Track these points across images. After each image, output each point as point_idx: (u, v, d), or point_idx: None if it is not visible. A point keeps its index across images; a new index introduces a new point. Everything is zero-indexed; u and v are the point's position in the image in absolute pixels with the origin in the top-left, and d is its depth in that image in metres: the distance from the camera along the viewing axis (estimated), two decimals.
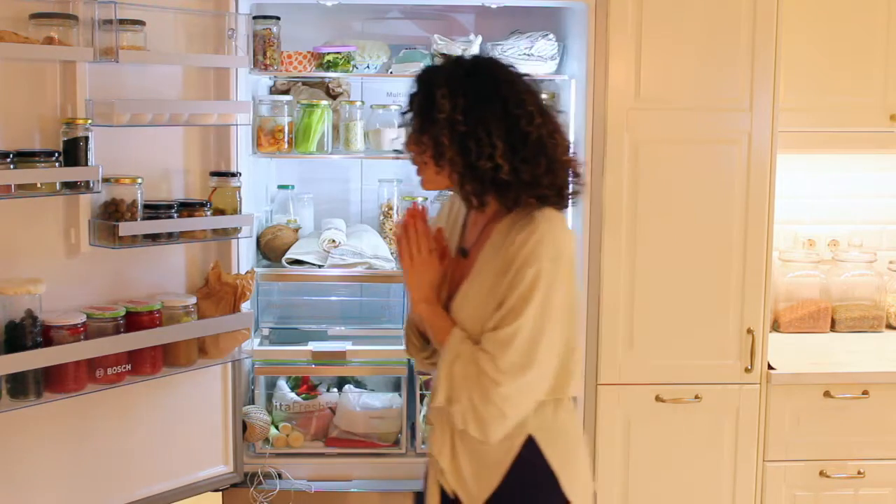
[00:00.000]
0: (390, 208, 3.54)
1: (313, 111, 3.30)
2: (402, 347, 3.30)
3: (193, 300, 2.83)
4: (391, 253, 3.36)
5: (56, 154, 2.49)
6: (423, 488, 2.36)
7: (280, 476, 3.20)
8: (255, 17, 3.12)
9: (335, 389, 3.50)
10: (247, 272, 3.00)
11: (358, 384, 3.53)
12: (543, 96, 2.29)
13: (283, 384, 3.44)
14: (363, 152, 3.38)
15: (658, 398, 3.24)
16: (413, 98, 2.21)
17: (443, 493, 2.27)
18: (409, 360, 3.33)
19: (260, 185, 3.49)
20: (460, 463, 2.22)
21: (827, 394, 3.25)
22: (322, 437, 3.35)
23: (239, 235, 2.93)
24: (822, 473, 3.28)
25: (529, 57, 3.30)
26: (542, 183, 2.15)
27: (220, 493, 3.15)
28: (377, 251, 3.36)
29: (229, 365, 3.07)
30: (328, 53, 3.25)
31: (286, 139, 3.27)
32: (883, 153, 3.67)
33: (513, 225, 2.16)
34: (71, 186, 2.54)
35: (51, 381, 2.55)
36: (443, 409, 2.18)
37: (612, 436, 3.26)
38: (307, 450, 3.31)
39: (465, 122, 2.12)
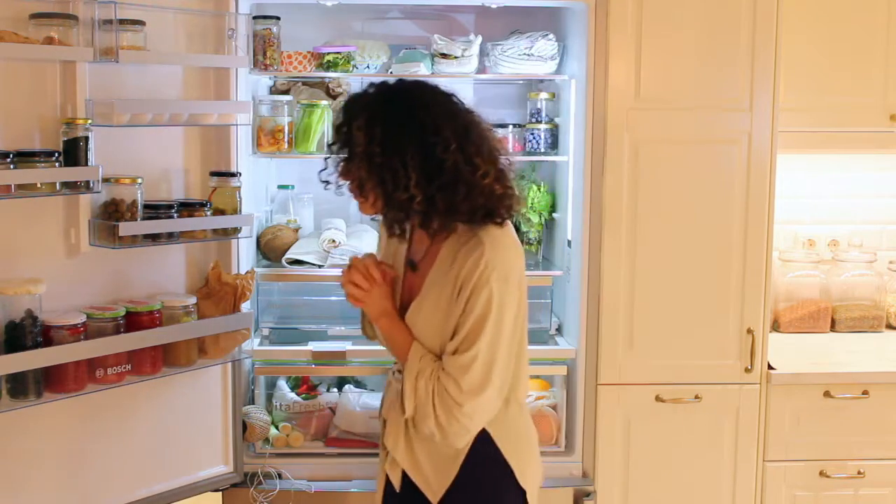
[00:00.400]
0: None
1: (313, 111, 3.30)
2: None
3: (193, 300, 2.83)
4: None
5: (56, 154, 2.49)
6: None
7: (280, 476, 3.20)
8: (255, 17, 3.11)
9: (335, 389, 3.50)
10: (247, 272, 3.00)
11: (358, 384, 3.54)
12: (474, 115, 2.27)
13: (283, 384, 3.44)
14: None
15: (658, 398, 3.24)
16: (339, 129, 2.23)
17: (390, 485, 2.39)
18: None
19: (260, 185, 3.49)
20: (417, 456, 2.32)
21: (827, 394, 3.25)
22: (322, 437, 3.35)
23: (239, 235, 2.93)
24: (822, 473, 3.28)
25: (529, 57, 3.30)
26: (460, 210, 2.18)
27: (220, 493, 3.15)
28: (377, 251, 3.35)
29: (229, 365, 3.07)
30: (328, 53, 3.25)
31: (286, 139, 3.27)
32: (883, 153, 3.67)
33: (460, 245, 2.22)
34: (71, 186, 2.54)
35: (51, 381, 2.55)
36: (401, 409, 2.28)
37: (612, 436, 3.27)
38: (307, 450, 3.31)
39: (382, 153, 2.14)
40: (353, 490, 3.21)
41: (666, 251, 3.19)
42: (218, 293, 2.92)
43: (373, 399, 3.39)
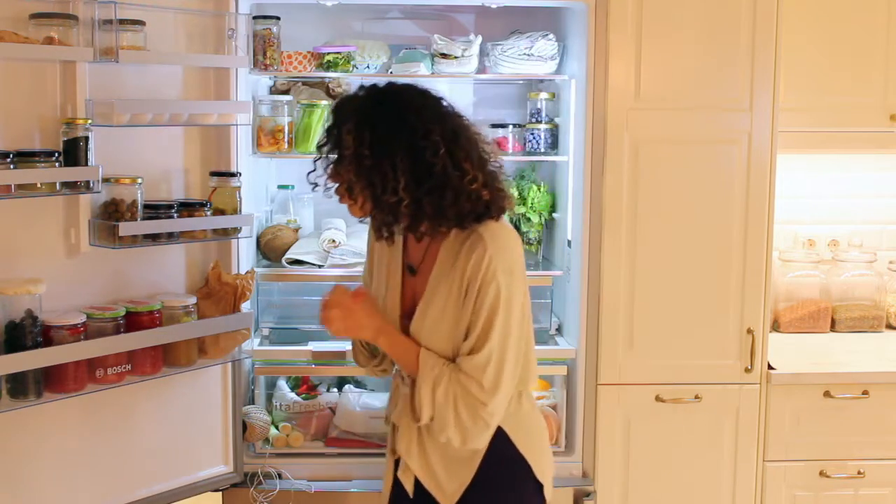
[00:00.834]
0: None
1: (313, 111, 3.30)
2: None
3: (193, 300, 2.83)
4: None
5: (56, 154, 2.49)
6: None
7: (280, 476, 3.20)
8: (255, 17, 3.11)
9: (335, 389, 3.50)
10: (247, 272, 3.00)
11: (358, 384, 3.53)
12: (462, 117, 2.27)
13: (283, 384, 3.44)
14: None
15: (658, 398, 3.24)
16: (329, 131, 2.23)
17: (398, 489, 2.37)
18: None
19: (260, 185, 3.49)
20: (430, 461, 2.30)
21: (827, 394, 3.25)
22: (322, 437, 3.35)
23: (239, 235, 2.93)
24: (822, 473, 3.28)
25: (529, 57, 3.29)
26: (448, 215, 2.19)
27: (220, 493, 3.15)
28: None
29: (229, 365, 3.07)
30: (328, 53, 3.25)
31: (286, 139, 3.27)
32: (883, 153, 3.67)
33: (461, 243, 2.22)
34: (71, 186, 2.54)
35: (51, 381, 2.55)
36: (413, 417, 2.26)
37: (612, 436, 3.27)
38: (307, 450, 3.31)
39: (371, 156, 2.14)
40: (353, 490, 3.21)
41: (666, 251, 3.19)
42: (218, 293, 2.92)
43: (373, 399, 3.39)
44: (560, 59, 3.36)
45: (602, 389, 3.25)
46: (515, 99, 3.65)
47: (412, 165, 2.14)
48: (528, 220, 3.51)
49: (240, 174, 2.94)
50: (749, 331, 3.22)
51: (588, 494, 3.26)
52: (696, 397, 3.24)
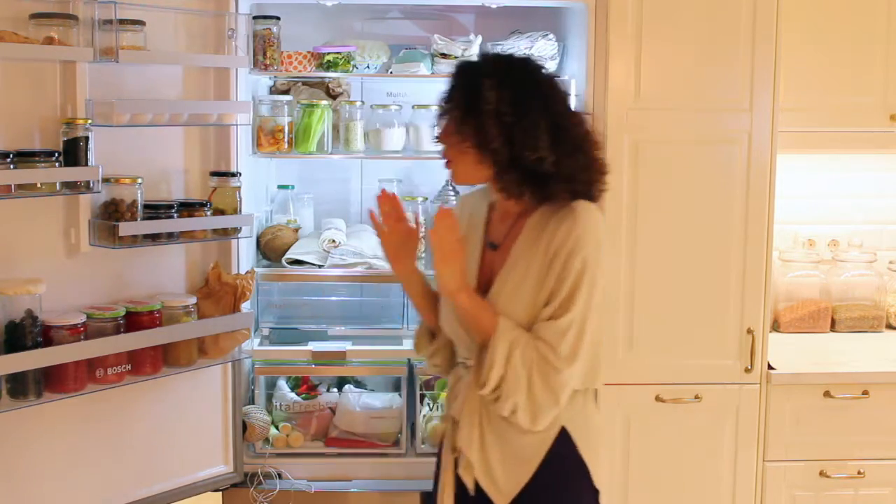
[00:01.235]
0: None
1: (313, 111, 3.30)
2: (401, 347, 3.32)
3: (193, 300, 2.83)
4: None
5: (56, 154, 2.49)
6: (433, 488, 2.39)
7: (280, 476, 3.20)
8: (255, 17, 3.12)
9: (335, 389, 3.50)
10: (247, 272, 3.00)
11: (358, 384, 3.53)
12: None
13: (283, 384, 3.44)
14: (363, 152, 3.38)
15: (658, 398, 3.24)
16: (454, 89, 2.23)
17: (458, 491, 2.30)
18: (408, 359, 3.33)
19: (260, 185, 3.49)
20: (490, 457, 2.25)
21: (827, 394, 3.25)
22: (322, 437, 3.35)
23: (239, 235, 2.93)
24: (822, 473, 3.28)
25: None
26: (579, 178, 2.21)
27: (220, 493, 3.15)
28: (377, 251, 3.34)
29: (229, 365, 3.07)
30: (328, 53, 3.25)
31: (286, 139, 3.27)
32: (883, 153, 3.67)
33: (548, 218, 2.21)
34: (71, 186, 2.54)
35: (51, 381, 2.55)
36: (477, 400, 2.22)
37: (612, 436, 3.26)
38: (307, 450, 3.31)
39: (513, 113, 2.15)
40: (353, 490, 3.22)
41: (666, 251, 3.19)
42: (218, 293, 2.92)
43: (373, 399, 3.39)
44: (560, 59, 3.37)
45: (602, 389, 3.24)
46: None
47: (551, 127, 2.16)
48: None
49: (240, 174, 2.94)
50: (749, 331, 3.22)
51: None
52: (696, 397, 3.24)
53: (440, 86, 2.28)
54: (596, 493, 2.30)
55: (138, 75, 2.73)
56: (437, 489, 2.37)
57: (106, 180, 2.61)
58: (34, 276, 2.51)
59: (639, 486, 3.29)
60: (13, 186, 2.42)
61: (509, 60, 2.26)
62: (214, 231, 2.85)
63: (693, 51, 3.13)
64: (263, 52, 3.14)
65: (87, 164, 2.55)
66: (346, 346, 3.32)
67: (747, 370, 3.24)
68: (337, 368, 3.38)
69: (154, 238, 2.71)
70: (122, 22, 2.58)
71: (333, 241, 3.37)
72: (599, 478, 2.30)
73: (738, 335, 3.23)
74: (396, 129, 3.35)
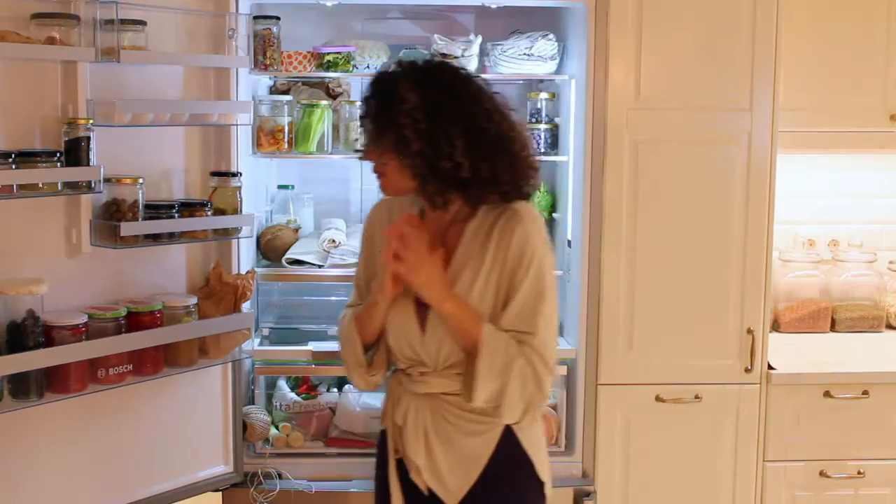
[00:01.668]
0: None
1: (313, 111, 3.30)
2: None
3: (194, 300, 2.83)
4: None
5: (57, 154, 2.49)
6: (376, 488, 2.45)
7: (280, 476, 3.20)
8: (255, 17, 3.11)
9: (335, 389, 3.50)
10: (247, 272, 3.00)
11: None
12: (497, 96, 2.31)
13: (283, 384, 3.44)
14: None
15: (658, 398, 3.24)
16: (370, 101, 2.24)
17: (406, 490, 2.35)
18: None
19: (260, 185, 3.49)
20: (437, 461, 2.30)
21: (827, 394, 3.25)
22: (322, 437, 3.35)
23: (239, 235, 2.93)
24: (822, 473, 3.28)
25: (529, 57, 3.30)
26: (503, 179, 2.21)
27: (220, 493, 3.15)
28: None
29: (229, 365, 3.07)
30: (328, 53, 3.26)
31: (286, 139, 3.27)
32: (883, 153, 3.67)
33: (491, 223, 2.23)
34: (72, 186, 2.54)
35: (52, 381, 2.55)
36: (423, 408, 2.29)
37: (612, 436, 3.27)
38: (307, 450, 3.31)
39: (426, 119, 2.16)
40: (353, 490, 3.21)
41: (666, 251, 3.19)
42: (218, 293, 2.92)
43: (373, 399, 3.39)
44: (560, 59, 3.37)
45: (602, 389, 3.25)
46: (515, 99, 3.63)
47: (466, 131, 2.16)
48: None
49: (240, 174, 2.94)
50: (749, 331, 3.23)
51: (588, 494, 3.26)
52: (696, 397, 3.25)
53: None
54: (542, 484, 2.35)
55: (139, 75, 2.73)
56: (384, 489, 2.40)
57: (107, 180, 2.60)
58: (35, 276, 2.51)
59: (639, 486, 3.29)
60: (15, 186, 2.42)
61: (423, 67, 2.24)
62: (215, 231, 2.85)
63: (693, 51, 3.13)
64: (263, 52, 3.14)
65: (88, 164, 2.54)
66: None
67: (747, 370, 3.24)
68: (337, 368, 3.36)
69: (155, 238, 2.71)
70: (123, 22, 2.57)
71: (333, 241, 3.37)
72: (544, 470, 2.34)
73: (738, 335, 3.23)
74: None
